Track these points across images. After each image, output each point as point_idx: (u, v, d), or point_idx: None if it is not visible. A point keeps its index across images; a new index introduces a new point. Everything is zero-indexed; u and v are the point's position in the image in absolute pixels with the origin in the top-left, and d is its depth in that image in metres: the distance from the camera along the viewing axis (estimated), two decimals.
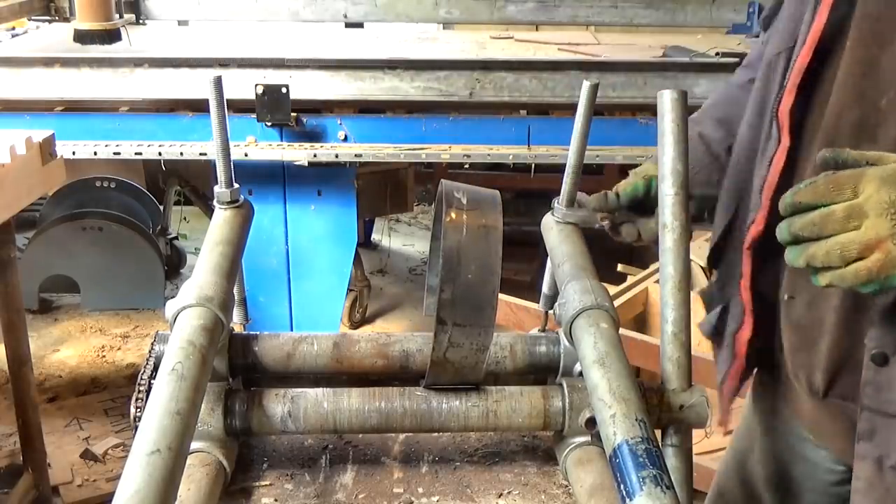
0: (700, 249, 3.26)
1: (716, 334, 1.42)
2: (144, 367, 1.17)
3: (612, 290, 2.87)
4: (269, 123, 2.77)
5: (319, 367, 1.25)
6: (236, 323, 1.35)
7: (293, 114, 2.76)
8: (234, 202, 1.33)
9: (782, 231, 0.99)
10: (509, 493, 1.19)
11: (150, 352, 1.19)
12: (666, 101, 1.20)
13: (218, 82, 1.24)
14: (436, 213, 1.27)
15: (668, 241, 1.21)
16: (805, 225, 0.96)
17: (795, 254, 0.98)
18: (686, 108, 1.22)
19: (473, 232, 1.10)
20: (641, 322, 3.02)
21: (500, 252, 1.11)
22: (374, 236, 5.34)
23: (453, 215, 1.10)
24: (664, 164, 1.20)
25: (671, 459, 1.15)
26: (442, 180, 1.19)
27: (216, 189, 1.32)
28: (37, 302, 4.23)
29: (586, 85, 1.29)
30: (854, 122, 1.12)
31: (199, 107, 2.80)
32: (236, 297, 1.32)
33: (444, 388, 1.18)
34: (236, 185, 1.33)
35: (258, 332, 1.27)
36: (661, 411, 1.15)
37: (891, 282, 0.94)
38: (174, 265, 4.74)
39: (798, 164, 1.21)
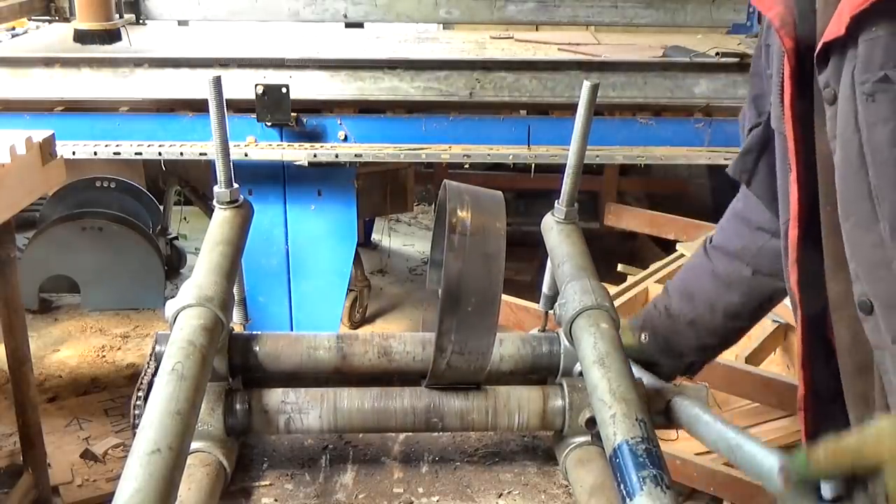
0: None
1: None
2: (146, 369, 1.17)
3: (612, 290, 2.87)
4: (269, 123, 2.77)
5: (320, 367, 1.25)
6: (236, 323, 1.35)
7: (293, 114, 2.75)
8: (234, 202, 1.33)
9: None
10: (509, 492, 1.19)
11: (151, 353, 1.19)
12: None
13: (217, 82, 1.24)
14: (438, 212, 1.28)
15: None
16: None
17: None
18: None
19: (475, 261, 1.11)
20: None
21: (502, 280, 1.12)
22: (374, 236, 5.34)
23: (455, 242, 1.11)
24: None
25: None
26: (446, 181, 1.19)
27: (216, 189, 1.32)
28: (37, 302, 4.23)
29: (586, 85, 1.29)
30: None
31: (199, 107, 2.80)
32: (236, 297, 1.32)
33: (444, 387, 1.18)
34: (236, 185, 1.32)
35: (258, 332, 1.27)
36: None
37: None
38: (174, 265, 4.73)
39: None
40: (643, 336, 1.42)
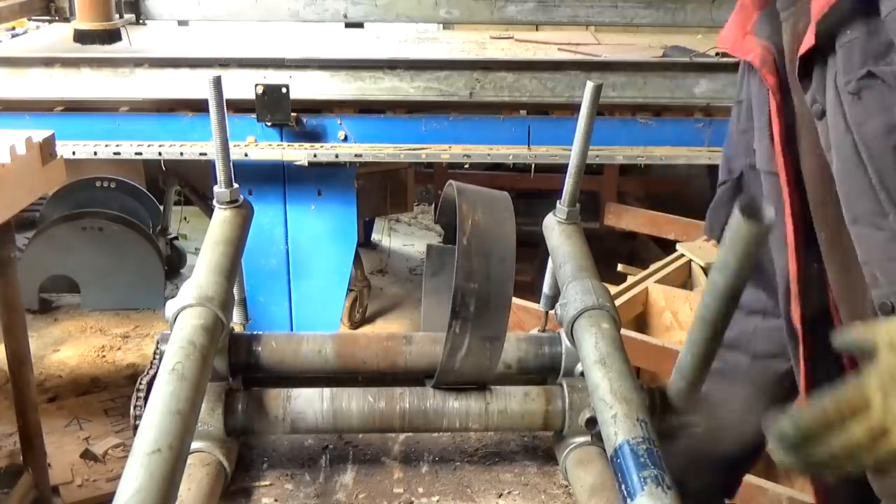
0: (700, 250, 3.26)
1: None
2: (148, 370, 1.17)
3: (613, 290, 2.86)
4: (269, 123, 2.76)
5: (320, 367, 1.25)
6: (236, 323, 1.35)
7: (293, 114, 2.75)
8: (234, 202, 1.33)
9: (787, 461, 0.92)
10: (509, 493, 1.19)
11: (154, 353, 1.19)
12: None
13: (217, 82, 1.24)
14: (439, 212, 1.28)
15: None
16: (832, 456, 0.90)
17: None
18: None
19: (486, 261, 1.12)
20: (641, 322, 3.02)
21: (513, 280, 1.13)
22: (374, 236, 5.34)
23: (466, 242, 1.11)
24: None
25: None
26: (452, 182, 1.19)
27: (216, 189, 1.32)
28: (37, 302, 4.23)
29: (590, 85, 1.29)
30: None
31: (199, 107, 2.80)
32: (236, 297, 1.32)
33: (444, 388, 1.18)
34: (236, 185, 1.33)
35: (259, 332, 1.27)
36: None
37: None
38: (174, 265, 4.73)
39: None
40: None
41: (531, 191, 4.77)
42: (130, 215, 4.32)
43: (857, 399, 0.89)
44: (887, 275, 1.05)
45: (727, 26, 1.19)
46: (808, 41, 1.05)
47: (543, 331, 1.37)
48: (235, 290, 1.28)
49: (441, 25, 4.67)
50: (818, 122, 1.08)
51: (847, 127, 1.03)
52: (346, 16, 3.77)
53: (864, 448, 0.88)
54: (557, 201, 1.40)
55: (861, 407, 0.89)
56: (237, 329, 1.34)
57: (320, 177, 2.92)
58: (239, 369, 1.24)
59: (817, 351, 1.22)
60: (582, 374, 1.16)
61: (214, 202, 1.32)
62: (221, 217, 1.31)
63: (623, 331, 1.26)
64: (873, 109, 1.00)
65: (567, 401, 1.19)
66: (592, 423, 1.16)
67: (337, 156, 2.81)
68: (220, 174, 1.30)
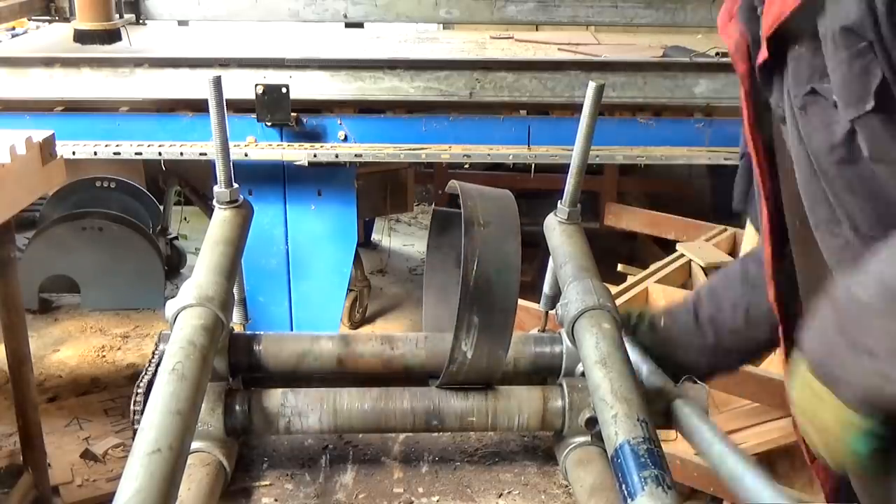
0: (700, 250, 3.26)
1: None
2: (147, 368, 1.17)
3: (613, 290, 2.86)
4: (269, 123, 2.76)
5: (320, 367, 1.25)
6: (236, 323, 1.35)
7: (293, 114, 2.75)
8: (234, 202, 1.33)
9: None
10: (509, 493, 1.19)
11: (154, 352, 1.19)
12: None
13: (217, 82, 1.24)
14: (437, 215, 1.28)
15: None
16: None
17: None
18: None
19: (493, 261, 1.12)
20: None
21: (518, 279, 1.13)
22: (374, 236, 5.34)
23: (473, 242, 1.11)
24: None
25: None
26: (454, 182, 1.19)
27: (216, 189, 1.32)
28: (37, 302, 4.23)
29: (592, 85, 1.29)
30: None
31: (199, 107, 2.80)
32: (236, 297, 1.32)
33: (445, 388, 1.18)
34: (236, 185, 1.33)
35: (258, 332, 1.27)
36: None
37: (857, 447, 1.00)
38: (174, 265, 4.73)
39: None
40: (662, 320, 1.42)
41: (531, 191, 4.78)
42: (130, 215, 4.32)
43: None
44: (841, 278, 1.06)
45: (722, 7, 1.19)
46: (763, 53, 1.06)
47: (543, 331, 1.37)
48: (235, 290, 1.28)
49: (441, 25, 4.67)
50: (782, 126, 1.09)
51: (800, 137, 1.04)
52: (346, 16, 3.78)
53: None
54: (558, 201, 1.40)
55: None
56: (237, 329, 1.34)
57: (320, 177, 2.92)
58: (239, 369, 1.24)
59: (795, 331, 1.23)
60: (582, 374, 1.16)
61: (214, 202, 1.32)
62: (221, 217, 1.31)
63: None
64: (817, 125, 1.01)
65: (567, 401, 1.19)
66: (592, 423, 1.16)
67: (337, 156, 2.81)
68: (219, 174, 1.30)
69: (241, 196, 1.35)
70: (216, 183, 1.32)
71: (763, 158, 1.17)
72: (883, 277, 0.93)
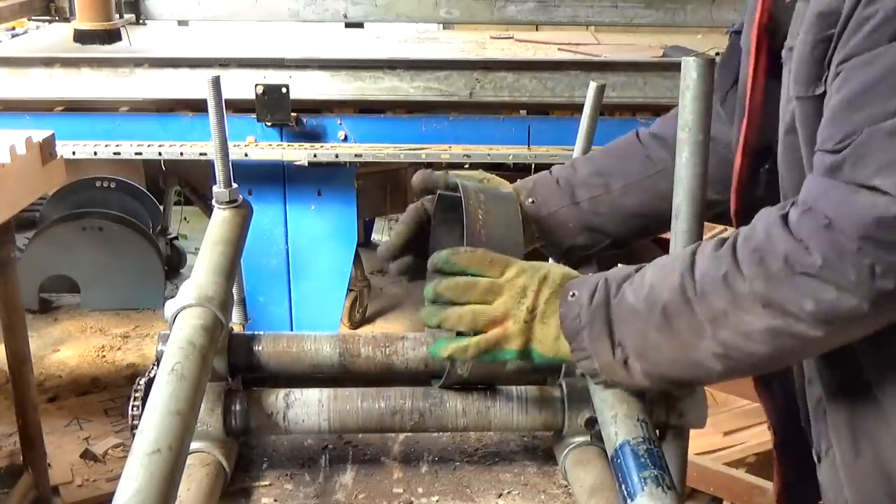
0: None
1: None
2: (149, 371, 1.16)
3: None
4: (269, 123, 2.77)
5: (320, 367, 1.25)
6: (236, 323, 1.35)
7: (293, 114, 2.75)
8: (233, 202, 1.33)
9: (427, 290, 1.07)
10: (509, 493, 1.19)
11: (158, 353, 1.18)
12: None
13: (216, 82, 1.24)
14: (437, 212, 1.27)
15: None
16: (449, 287, 1.05)
17: (430, 312, 1.07)
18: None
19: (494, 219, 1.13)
20: None
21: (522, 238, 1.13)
22: (374, 236, 5.34)
23: (475, 242, 1.11)
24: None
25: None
26: (459, 182, 1.19)
27: (215, 189, 1.32)
28: (37, 302, 4.23)
29: (593, 86, 1.29)
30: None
31: (199, 107, 2.80)
32: (235, 297, 1.32)
33: (446, 388, 1.18)
34: (235, 185, 1.33)
35: (258, 332, 1.27)
36: (660, 411, 1.15)
37: (503, 355, 1.05)
38: (174, 265, 4.73)
39: None
40: (530, 199, 1.32)
41: None
42: (130, 215, 4.32)
43: (503, 262, 1.06)
44: None
45: None
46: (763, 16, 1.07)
47: None
48: (235, 290, 1.28)
49: (441, 25, 4.67)
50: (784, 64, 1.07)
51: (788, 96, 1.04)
52: (346, 16, 3.78)
53: (477, 292, 1.05)
54: None
55: (499, 270, 1.05)
56: (237, 329, 1.34)
57: (320, 177, 2.92)
58: (238, 369, 1.24)
59: None
60: (582, 374, 1.16)
61: (214, 202, 1.33)
62: (221, 217, 1.31)
63: None
64: (785, 79, 1.03)
65: (567, 401, 1.19)
66: (592, 423, 1.16)
67: (337, 156, 2.81)
68: (219, 174, 1.31)
69: (241, 196, 1.35)
70: (215, 183, 1.32)
71: (760, 60, 1.11)
72: (653, 289, 0.99)
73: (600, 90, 1.29)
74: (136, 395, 1.13)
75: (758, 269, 0.92)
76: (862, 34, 0.89)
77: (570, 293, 1.04)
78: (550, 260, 1.39)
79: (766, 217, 0.96)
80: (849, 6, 0.91)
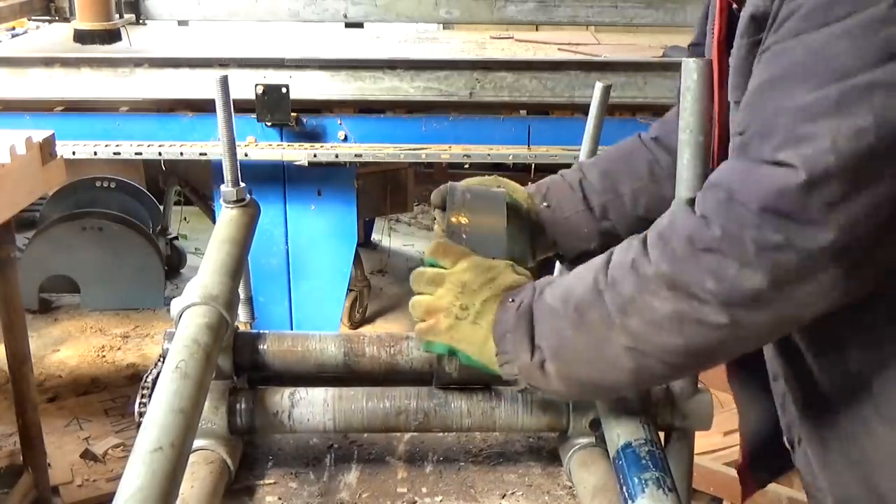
0: None
1: None
2: (153, 369, 1.16)
3: None
4: (269, 123, 2.77)
5: (325, 367, 1.25)
6: (242, 321, 1.35)
7: (293, 114, 2.75)
8: (241, 201, 1.33)
9: (412, 279, 1.10)
10: (513, 493, 1.19)
11: (163, 349, 1.18)
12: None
13: (224, 82, 1.25)
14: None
15: None
16: (413, 276, 1.10)
17: (412, 301, 1.09)
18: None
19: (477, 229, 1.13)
20: None
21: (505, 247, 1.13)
22: (374, 236, 5.34)
23: (452, 219, 1.12)
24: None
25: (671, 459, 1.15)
26: (450, 183, 1.19)
27: (223, 188, 1.32)
28: (37, 302, 4.23)
29: (599, 86, 1.30)
30: None
31: (199, 107, 2.80)
32: (242, 296, 1.32)
33: (449, 388, 1.18)
34: (242, 185, 1.33)
35: (263, 331, 1.27)
36: (665, 413, 1.15)
37: (434, 349, 1.07)
38: (174, 265, 4.73)
39: None
40: (545, 204, 1.33)
41: None
42: (130, 215, 4.32)
43: (458, 255, 1.08)
44: None
45: None
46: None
47: None
48: (241, 289, 1.28)
49: (441, 25, 4.67)
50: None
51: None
52: (346, 16, 3.78)
53: (422, 281, 1.08)
54: None
55: (452, 261, 1.08)
56: (243, 328, 1.34)
57: (320, 177, 2.92)
58: (243, 368, 1.24)
59: None
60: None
61: (221, 201, 1.33)
62: (228, 216, 1.31)
63: None
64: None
65: (571, 402, 1.19)
66: (596, 424, 1.16)
67: (337, 156, 2.81)
68: (226, 173, 1.31)
69: (248, 195, 1.35)
70: (221, 182, 1.32)
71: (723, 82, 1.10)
72: (570, 287, 1.00)
73: (606, 91, 1.29)
74: (144, 391, 1.13)
75: (663, 250, 0.91)
76: (786, 27, 0.88)
77: (511, 299, 1.04)
78: (557, 264, 1.39)
79: (674, 204, 0.97)
80: (777, 4, 0.90)
